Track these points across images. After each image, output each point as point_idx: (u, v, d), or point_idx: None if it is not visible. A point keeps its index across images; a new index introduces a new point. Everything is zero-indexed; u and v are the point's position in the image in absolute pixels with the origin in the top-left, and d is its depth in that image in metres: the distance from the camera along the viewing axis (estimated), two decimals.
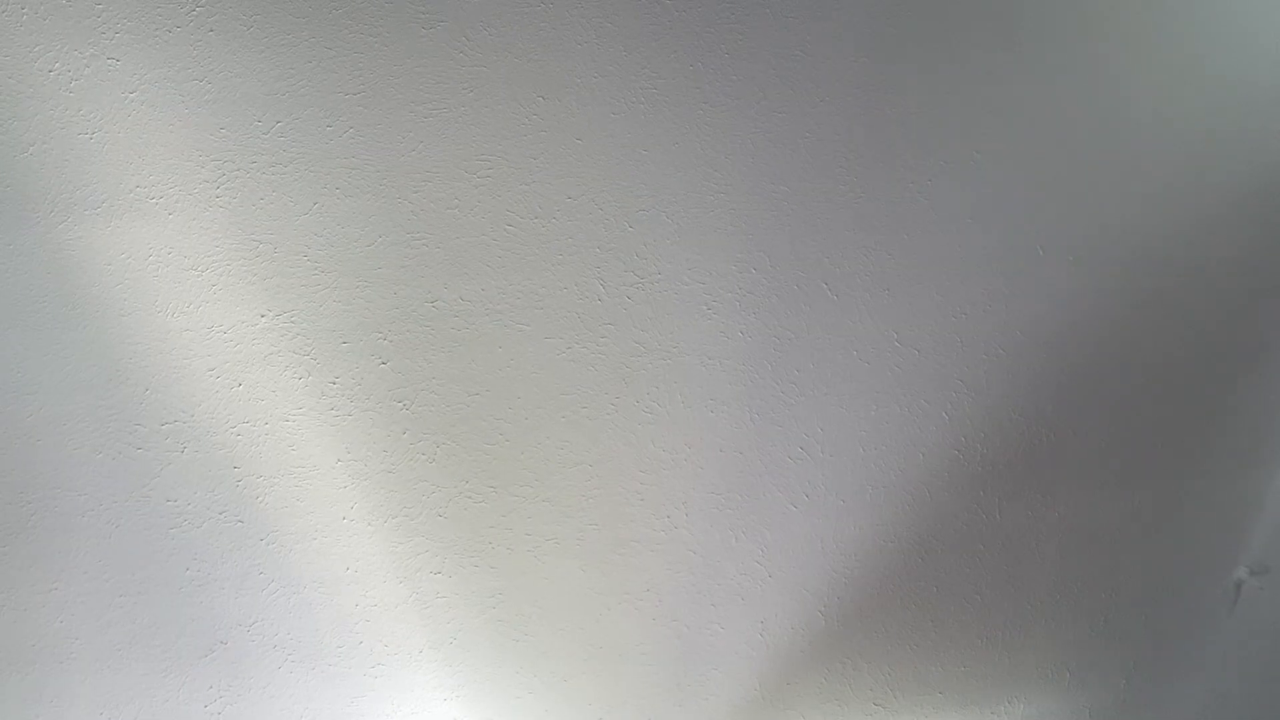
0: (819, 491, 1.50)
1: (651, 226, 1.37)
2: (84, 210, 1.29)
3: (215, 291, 1.34)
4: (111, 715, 1.50)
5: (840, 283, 1.42)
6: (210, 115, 1.27)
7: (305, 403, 1.39)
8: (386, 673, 1.52)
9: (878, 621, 1.57)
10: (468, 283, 1.37)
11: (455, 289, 1.37)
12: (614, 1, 1.28)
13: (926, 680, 1.61)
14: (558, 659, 1.54)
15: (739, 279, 1.41)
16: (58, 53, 1.23)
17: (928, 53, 1.34)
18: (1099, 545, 1.58)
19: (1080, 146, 1.40)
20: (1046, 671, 1.64)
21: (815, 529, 1.52)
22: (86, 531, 1.42)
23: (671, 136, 1.34)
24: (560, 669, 1.56)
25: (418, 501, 1.45)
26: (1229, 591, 1.64)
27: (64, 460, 1.39)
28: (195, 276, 1.33)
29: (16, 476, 1.39)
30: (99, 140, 1.26)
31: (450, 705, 1.55)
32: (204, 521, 1.43)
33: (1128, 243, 1.45)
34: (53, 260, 1.31)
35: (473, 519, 1.46)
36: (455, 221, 1.34)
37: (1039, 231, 1.43)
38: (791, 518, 1.51)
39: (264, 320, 1.35)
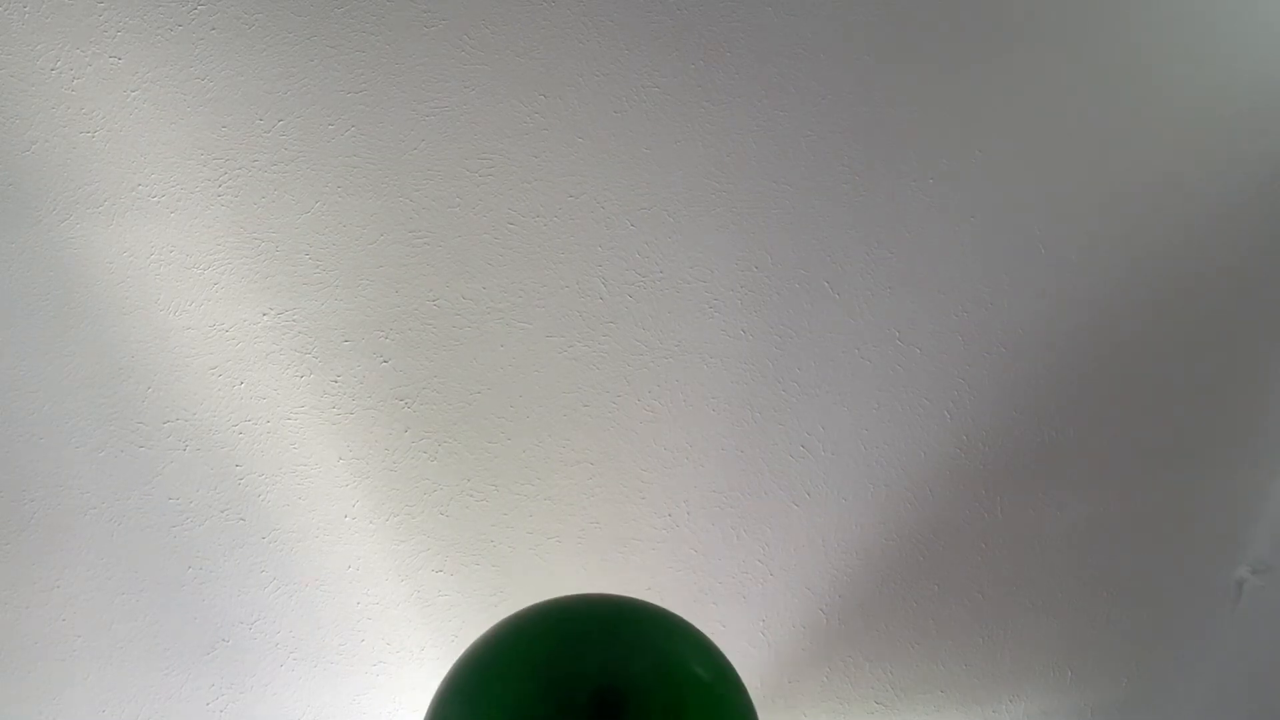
0: (820, 490, 1.50)
1: (653, 225, 1.37)
2: (85, 209, 1.29)
3: (217, 290, 1.34)
4: (113, 713, 1.50)
5: (842, 281, 1.42)
6: (212, 114, 1.27)
7: (307, 401, 1.39)
8: (388, 670, 1.52)
9: (879, 620, 1.57)
10: (469, 281, 1.37)
11: (457, 287, 1.37)
12: (615, 0, 1.28)
13: (928, 679, 1.61)
14: None
15: (741, 277, 1.41)
16: (59, 51, 1.23)
17: (929, 52, 1.34)
18: (1100, 544, 1.58)
19: (1081, 146, 1.40)
20: (1048, 670, 1.64)
21: (817, 527, 1.52)
22: (88, 529, 1.42)
23: (673, 135, 1.34)
24: None
25: (419, 499, 1.45)
26: (1231, 590, 1.64)
27: (65, 458, 1.39)
28: (197, 275, 1.33)
29: (18, 474, 1.39)
30: (101, 139, 1.27)
31: None
32: (206, 519, 1.43)
33: (1128, 242, 1.44)
34: (54, 259, 1.31)
35: (474, 517, 1.46)
36: (457, 220, 1.34)
37: (1039, 231, 1.43)
38: (793, 516, 1.51)
39: (266, 318, 1.36)
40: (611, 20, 1.29)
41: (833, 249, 1.41)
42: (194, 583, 1.46)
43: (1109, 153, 1.41)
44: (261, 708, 1.52)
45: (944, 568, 1.56)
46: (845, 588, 1.55)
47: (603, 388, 1.43)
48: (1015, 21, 1.34)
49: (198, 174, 1.29)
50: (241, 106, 1.27)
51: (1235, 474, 1.58)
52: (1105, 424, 1.52)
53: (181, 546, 1.44)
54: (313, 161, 1.30)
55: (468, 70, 1.29)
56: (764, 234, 1.39)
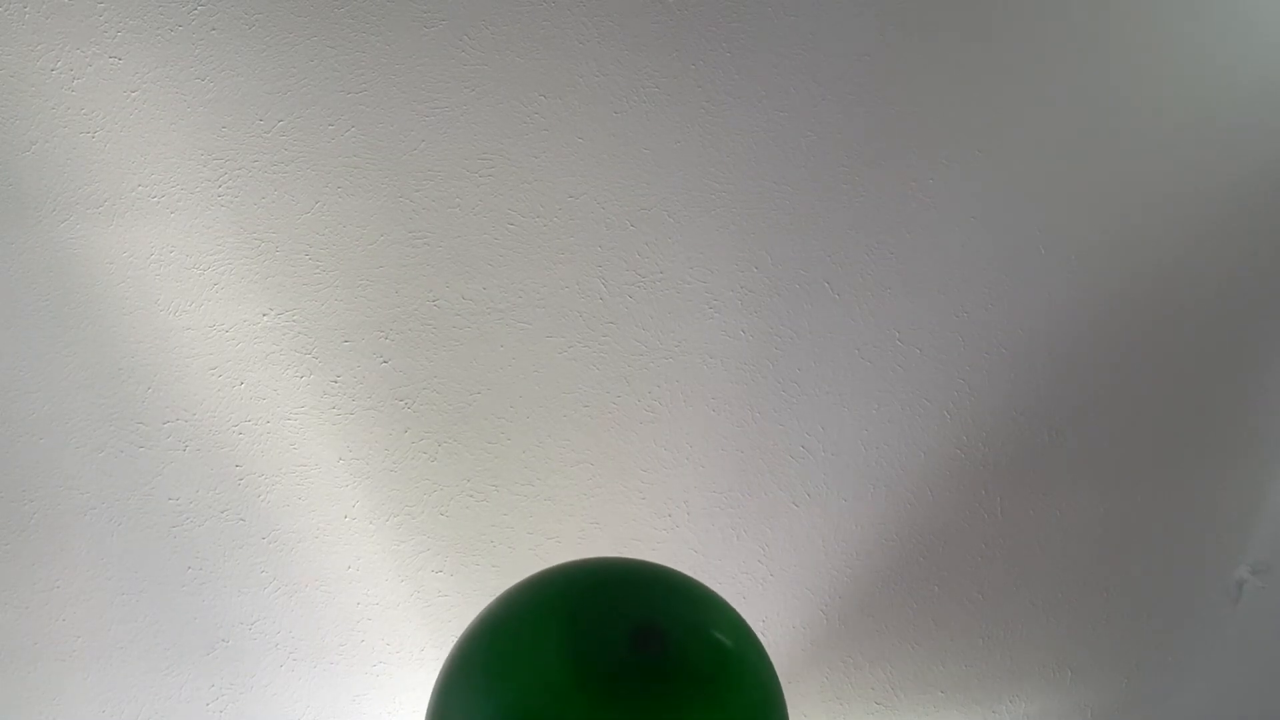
0: (820, 490, 1.50)
1: (653, 225, 1.37)
2: (86, 209, 1.29)
3: (217, 290, 1.34)
4: (113, 713, 1.50)
5: (842, 282, 1.42)
6: (212, 114, 1.27)
7: (307, 401, 1.39)
8: (388, 671, 1.52)
9: (879, 620, 1.57)
10: (469, 281, 1.37)
11: (457, 288, 1.37)
12: (615, 0, 1.28)
13: (928, 679, 1.61)
14: None
15: (740, 278, 1.41)
16: (59, 51, 1.23)
17: (929, 52, 1.34)
18: (1099, 544, 1.58)
19: (1081, 146, 1.40)
20: (1048, 670, 1.64)
21: (816, 528, 1.52)
22: (88, 530, 1.42)
23: (673, 135, 1.34)
24: None
25: (419, 500, 1.45)
26: (1231, 590, 1.64)
27: (66, 458, 1.39)
28: (197, 275, 1.33)
29: (18, 475, 1.39)
30: (101, 139, 1.27)
31: None
32: (206, 520, 1.43)
33: (1128, 242, 1.44)
34: (54, 259, 1.31)
35: (474, 517, 1.46)
36: (457, 220, 1.34)
37: (1039, 231, 1.43)
38: (793, 516, 1.51)
39: (266, 319, 1.36)
40: (611, 20, 1.29)
41: (833, 249, 1.41)
42: (194, 583, 1.46)
43: (1109, 154, 1.41)
44: (261, 708, 1.52)
45: (944, 568, 1.56)
46: (845, 588, 1.55)
47: (603, 388, 1.43)
48: (1016, 23, 1.34)
49: (198, 174, 1.29)
50: (242, 107, 1.27)
51: (1235, 474, 1.58)
52: (1105, 424, 1.52)
53: (181, 547, 1.44)
54: (313, 162, 1.30)
55: (467, 70, 1.29)
56: (764, 234, 1.39)
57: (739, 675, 0.94)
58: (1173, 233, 1.45)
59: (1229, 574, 1.64)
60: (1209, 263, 1.47)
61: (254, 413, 1.39)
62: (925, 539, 1.54)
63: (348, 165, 1.30)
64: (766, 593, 1.54)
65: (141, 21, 1.23)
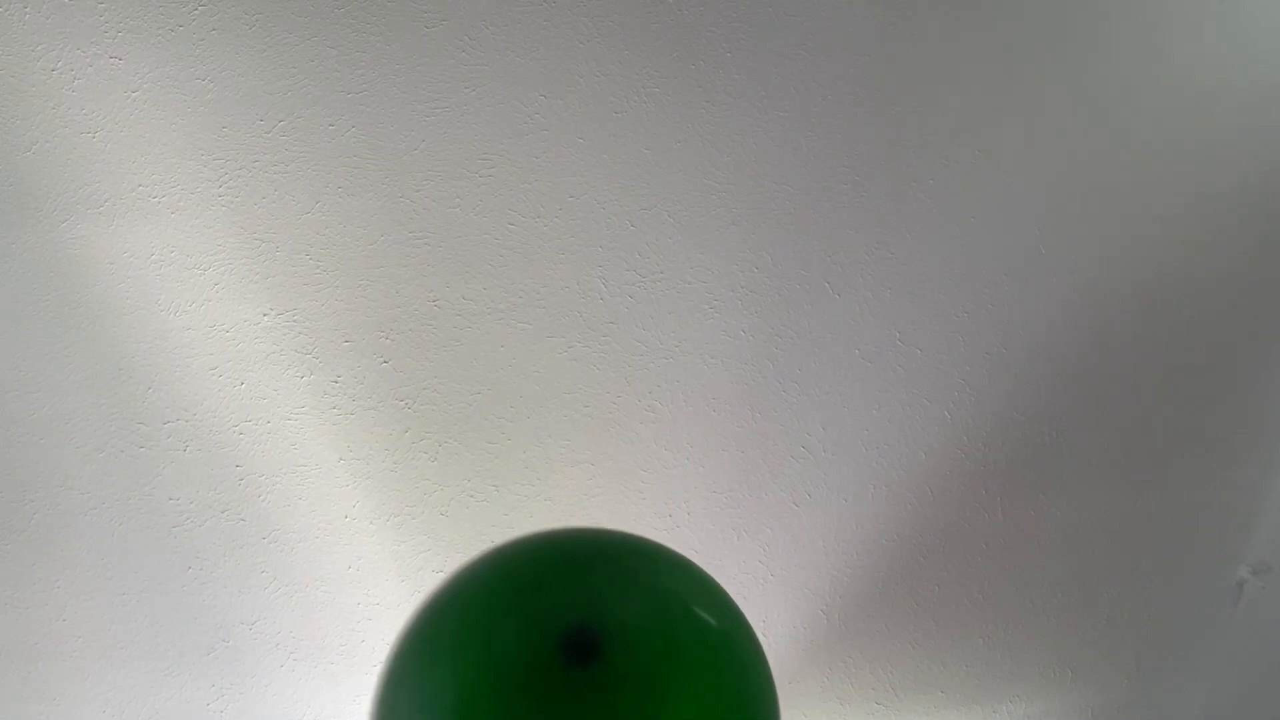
0: (821, 491, 1.50)
1: (654, 225, 1.37)
2: (86, 209, 1.29)
3: (217, 290, 1.34)
4: (113, 713, 1.50)
5: (842, 282, 1.42)
6: (212, 114, 1.27)
7: (307, 401, 1.39)
8: None
9: (879, 621, 1.57)
10: (470, 281, 1.37)
11: (457, 288, 1.37)
12: (615, 0, 1.28)
13: (928, 679, 1.61)
14: None
15: (741, 278, 1.40)
16: (60, 51, 1.23)
17: (929, 52, 1.34)
18: (1100, 544, 1.58)
19: (1082, 146, 1.40)
20: (1048, 671, 1.64)
21: (817, 528, 1.52)
22: (88, 530, 1.42)
23: (674, 135, 1.34)
24: None
25: (420, 500, 1.45)
26: (1231, 591, 1.64)
27: (66, 459, 1.39)
28: (197, 275, 1.33)
29: (18, 475, 1.39)
30: (101, 139, 1.27)
31: None
32: (206, 520, 1.43)
33: (1129, 243, 1.44)
34: (54, 259, 1.31)
35: (475, 518, 1.46)
36: (457, 220, 1.34)
37: (1040, 231, 1.43)
38: (793, 517, 1.51)
39: (266, 319, 1.36)
40: (611, 20, 1.29)
41: (833, 249, 1.41)
42: (194, 583, 1.46)
43: (1110, 154, 1.41)
44: (261, 708, 1.52)
45: (944, 568, 1.56)
46: (845, 588, 1.55)
47: (603, 388, 1.43)
48: (1016, 23, 1.34)
49: (198, 174, 1.29)
50: (242, 107, 1.27)
51: (1235, 474, 1.58)
52: (1105, 424, 1.52)
53: (182, 547, 1.44)
54: (313, 162, 1.30)
55: (468, 70, 1.29)
56: (764, 234, 1.39)
57: (701, 676, 0.81)
58: (1173, 232, 1.45)
59: (1229, 574, 1.64)
60: (1209, 262, 1.47)
61: (254, 413, 1.39)
62: (925, 539, 1.54)
63: (348, 165, 1.30)
64: (766, 593, 1.54)
65: (141, 21, 1.23)
